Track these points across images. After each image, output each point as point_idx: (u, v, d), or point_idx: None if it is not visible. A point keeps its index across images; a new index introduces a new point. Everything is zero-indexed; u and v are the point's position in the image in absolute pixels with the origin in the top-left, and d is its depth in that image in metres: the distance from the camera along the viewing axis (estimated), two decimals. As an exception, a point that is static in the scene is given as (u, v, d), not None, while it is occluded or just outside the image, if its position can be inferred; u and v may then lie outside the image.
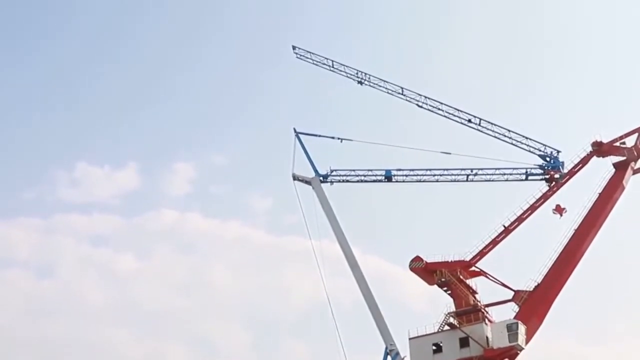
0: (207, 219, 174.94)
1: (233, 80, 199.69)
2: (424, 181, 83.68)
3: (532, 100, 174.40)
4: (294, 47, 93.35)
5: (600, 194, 77.96)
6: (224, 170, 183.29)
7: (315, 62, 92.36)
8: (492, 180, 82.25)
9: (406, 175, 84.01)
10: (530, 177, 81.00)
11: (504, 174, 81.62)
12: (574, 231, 76.36)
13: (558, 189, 79.28)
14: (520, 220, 79.11)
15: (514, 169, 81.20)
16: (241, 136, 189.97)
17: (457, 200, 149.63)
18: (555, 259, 75.16)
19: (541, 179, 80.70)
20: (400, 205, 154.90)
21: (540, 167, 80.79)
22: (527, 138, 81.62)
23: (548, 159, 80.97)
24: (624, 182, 78.84)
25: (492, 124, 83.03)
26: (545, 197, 79.46)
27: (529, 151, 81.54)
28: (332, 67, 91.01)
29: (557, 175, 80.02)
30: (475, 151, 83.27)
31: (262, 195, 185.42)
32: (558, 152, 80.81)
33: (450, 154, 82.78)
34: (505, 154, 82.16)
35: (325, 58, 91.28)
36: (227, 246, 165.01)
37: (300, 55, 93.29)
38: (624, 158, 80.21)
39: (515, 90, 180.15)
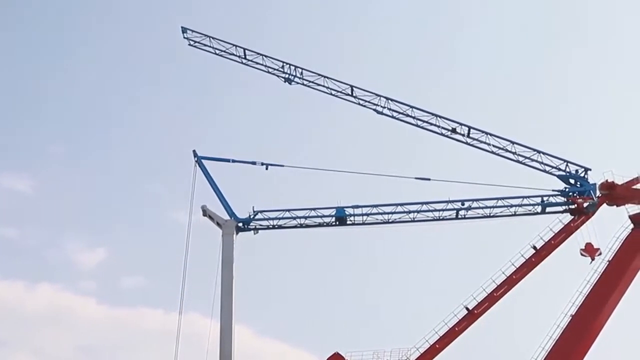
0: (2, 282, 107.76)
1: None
2: (392, 222, 57.19)
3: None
4: (183, 30, 63.85)
5: (609, 261, 52.09)
6: (26, 200, 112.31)
7: (217, 52, 63.06)
8: (493, 216, 56.63)
9: (367, 215, 57.28)
10: (548, 209, 55.93)
11: (511, 206, 56.09)
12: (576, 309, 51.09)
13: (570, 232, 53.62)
14: (492, 299, 52.24)
15: (524, 197, 55.92)
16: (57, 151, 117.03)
17: (443, 249, 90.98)
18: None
19: (564, 210, 55.69)
20: (355, 261, 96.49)
21: (562, 192, 55.82)
22: (539, 152, 56.39)
23: (573, 180, 56.01)
24: None
25: (487, 134, 57.21)
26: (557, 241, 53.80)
27: (544, 171, 56.52)
28: (244, 57, 62.17)
29: (586, 204, 54.91)
30: (465, 174, 57.65)
31: (89, 244, 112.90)
32: (586, 170, 55.98)
33: (429, 179, 57.07)
34: (511, 177, 56.79)
35: (234, 45, 62.18)
36: (32, 325, 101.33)
37: (195, 42, 63.65)
38: None
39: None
